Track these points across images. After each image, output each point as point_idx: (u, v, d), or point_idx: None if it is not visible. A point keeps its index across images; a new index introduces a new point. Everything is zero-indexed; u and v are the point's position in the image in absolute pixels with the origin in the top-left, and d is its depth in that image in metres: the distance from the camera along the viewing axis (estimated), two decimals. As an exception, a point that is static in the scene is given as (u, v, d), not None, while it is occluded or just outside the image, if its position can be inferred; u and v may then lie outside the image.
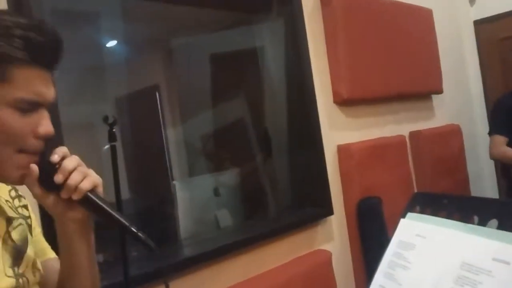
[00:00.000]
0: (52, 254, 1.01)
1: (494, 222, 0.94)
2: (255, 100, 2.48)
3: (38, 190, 0.82)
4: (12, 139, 0.78)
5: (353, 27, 2.48)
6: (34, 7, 1.33)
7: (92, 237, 0.92)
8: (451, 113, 3.36)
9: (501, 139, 2.83)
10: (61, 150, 0.84)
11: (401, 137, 2.78)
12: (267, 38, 2.42)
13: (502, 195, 3.28)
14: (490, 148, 2.91)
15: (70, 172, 0.82)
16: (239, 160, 2.47)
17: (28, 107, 0.78)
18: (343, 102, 2.46)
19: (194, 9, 2.19)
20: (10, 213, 0.90)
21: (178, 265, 1.63)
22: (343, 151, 2.41)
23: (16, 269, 0.84)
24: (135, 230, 0.83)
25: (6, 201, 0.92)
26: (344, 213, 2.41)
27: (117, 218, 0.84)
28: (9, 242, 0.85)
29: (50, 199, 0.83)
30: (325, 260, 2.19)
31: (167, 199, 2.23)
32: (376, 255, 1.19)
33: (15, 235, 0.87)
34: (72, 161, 0.83)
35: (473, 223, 0.99)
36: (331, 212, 2.28)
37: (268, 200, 2.44)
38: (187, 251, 1.83)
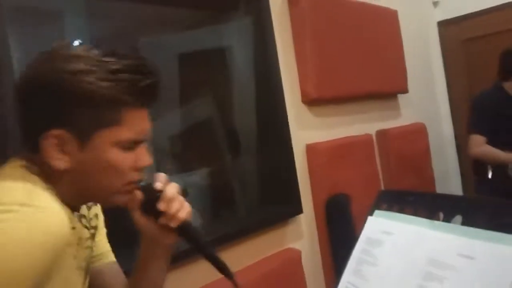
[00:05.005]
0: (113, 258, 1.08)
1: (458, 218, 0.96)
2: (224, 100, 2.46)
3: (138, 214, 0.92)
4: (119, 174, 0.85)
5: (320, 27, 2.49)
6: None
7: (169, 259, 1.01)
8: (417, 112, 3.43)
9: (480, 139, 2.84)
10: (163, 177, 0.93)
11: (368, 136, 2.82)
12: (235, 37, 2.41)
13: (473, 191, 3.33)
14: (470, 147, 2.91)
15: (171, 200, 0.90)
16: (207, 160, 2.45)
17: (132, 145, 0.85)
18: (311, 101, 2.47)
19: (160, 8, 2.16)
20: (83, 233, 0.95)
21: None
22: (311, 150, 2.42)
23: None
24: (221, 260, 0.93)
25: (82, 216, 0.97)
26: (313, 212, 2.42)
27: (206, 247, 0.93)
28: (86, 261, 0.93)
29: (148, 224, 0.92)
30: (295, 258, 2.20)
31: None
32: (344, 252, 1.20)
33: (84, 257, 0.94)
34: (173, 189, 0.92)
35: (438, 219, 1.01)
36: (300, 211, 2.29)
37: (237, 200, 2.43)
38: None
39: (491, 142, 2.83)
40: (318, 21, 2.48)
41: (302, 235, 2.37)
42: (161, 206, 0.89)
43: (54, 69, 0.79)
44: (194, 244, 0.93)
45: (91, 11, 2.20)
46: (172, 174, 2.51)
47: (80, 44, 0.85)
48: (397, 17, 3.22)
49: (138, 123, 0.84)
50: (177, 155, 2.50)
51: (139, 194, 0.89)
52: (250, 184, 2.44)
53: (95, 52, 0.81)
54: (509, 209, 0.93)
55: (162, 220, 0.90)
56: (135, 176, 0.87)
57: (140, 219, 0.92)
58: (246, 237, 2.06)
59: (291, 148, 2.29)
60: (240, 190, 2.44)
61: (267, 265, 2.07)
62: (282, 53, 2.34)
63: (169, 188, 0.91)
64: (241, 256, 2.02)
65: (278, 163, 2.29)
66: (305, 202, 2.34)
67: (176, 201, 0.90)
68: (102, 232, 1.06)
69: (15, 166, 0.82)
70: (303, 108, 2.48)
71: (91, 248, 0.98)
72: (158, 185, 0.91)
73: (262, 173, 2.38)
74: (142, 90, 0.82)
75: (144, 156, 0.88)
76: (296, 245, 2.29)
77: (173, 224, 0.90)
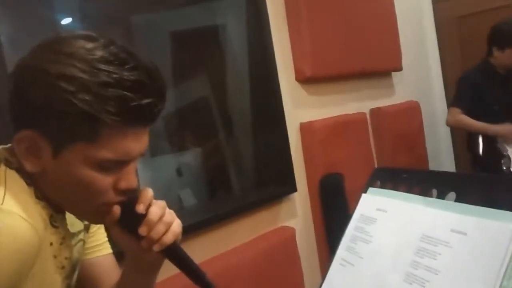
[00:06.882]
0: (109, 250, 1.02)
1: (452, 194, 0.96)
2: (217, 79, 2.44)
3: (117, 231, 0.83)
4: (93, 196, 0.76)
5: (314, 4, 2.46)
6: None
7: (157, 274, 0.92)
8: (410, 90, 3.42)
9: (457, 111, 2.93)
10: (147, 198, 0.80)
11: (362, 114, 2.82)
12: (228, 15, 2.38)
13: (467, 168, 3.36)
14: (448, 117, 3.01)
15: (155, 224, 0.79)
16: (201, 139, 2.44)
17: (113, 166, 0.75)
18: (305, 80, 2.46)
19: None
20: (75, 226, 0.90)
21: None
22: (305, 128, 2.42)
23: (68, 282, 0.87)
24: (210, 282, 0.83)
25: None
26: (307, 190, 2.43)
27: (193, 268, 0.83)
28: (71, 258, 0.87)
29: (129, 242, 0.82)
30: (289, 236, 2.21)
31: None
32: (338, 230, 1.20)
33: (75, 252, 0.88)
34: (157, 212, 0.80)
35: (431, 196, 1.01)
36: (294, 189, 2.30)
37: (232, 179, 2.43)
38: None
39: (477, 116, 2.88)
40: (312, -2, 2.46)
41: (296, 213, 2.39)
42: (143, 230, 0.79)
43: (38, 67, 0.71)
44: (182, 267, 0.84)
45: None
46: (165, 154, 2.51)
47: (92, 37, 0.74)
48: (392, -6, 3.19)
49: (121, 143, 0.73)
50: (172, 135, 2.50)
51: (117, 211, 0.79)
52: (244, 163, 2.44)
53: (97, 54, 0.71)
54: (501, 185, 0.93)
55: (144, 244, 0.80)
56: (113, 197, 0.78)
57: (119, 236, 0.83)
58: (240, 215, 2.07)
59: (285, 127, 2.29)
60: (234, 169, 2.44)
61: (261, 243, 2.08)
62: (276, 30, 2.32)
63: (154, 209, 0.80)
64: (236, 234, 2.03)
65: (272, 141, 2.29)
66: (299, 181, 2.35)
67: (160, 224, 0.79)
68: None
69: None
70: (297, 86, 2.47)
71: (83, 241, 0.93)
72: (140, 208, 0.79)
73: (256, 152, 2.38)
74: (131, 110, 0.71)
75: (128, 178, 0.78)
76: (290, 223, 2.31)
77: (156, 249, 0.80)
